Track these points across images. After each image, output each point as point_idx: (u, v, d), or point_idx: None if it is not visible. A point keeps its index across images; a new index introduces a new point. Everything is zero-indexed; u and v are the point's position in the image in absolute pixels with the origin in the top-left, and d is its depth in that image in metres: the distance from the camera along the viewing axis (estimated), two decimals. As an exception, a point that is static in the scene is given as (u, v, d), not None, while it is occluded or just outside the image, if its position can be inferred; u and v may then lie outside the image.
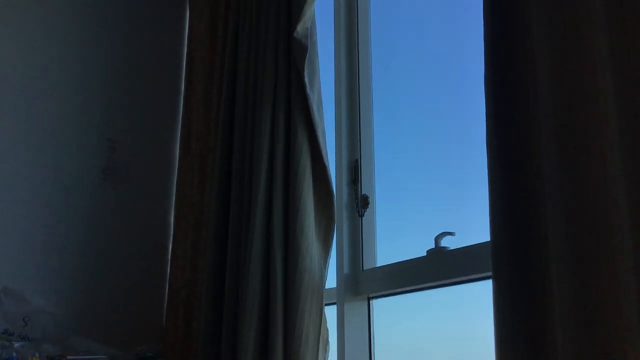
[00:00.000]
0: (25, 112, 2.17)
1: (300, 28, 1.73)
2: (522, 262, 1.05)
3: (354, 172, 1.84)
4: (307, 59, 1.71)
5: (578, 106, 0.98)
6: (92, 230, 2.20)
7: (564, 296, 0.94)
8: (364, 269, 1.77)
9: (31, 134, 2.17)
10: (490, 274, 1.12)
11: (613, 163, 0.93)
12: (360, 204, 1.81)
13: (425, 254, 1.55)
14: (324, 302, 1.61)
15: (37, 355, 1.71)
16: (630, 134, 0.89)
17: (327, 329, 1.61)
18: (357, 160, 1.85)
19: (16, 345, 1.79)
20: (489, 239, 1.14)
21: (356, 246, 1.79)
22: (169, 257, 2.25)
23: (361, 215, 1.81)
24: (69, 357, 1.75)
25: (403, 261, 1.62)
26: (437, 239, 1.53)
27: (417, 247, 1.60)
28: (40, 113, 2.20)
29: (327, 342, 1.61)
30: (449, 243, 1.51)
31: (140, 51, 2.43)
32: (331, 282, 1.75)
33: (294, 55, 1.76)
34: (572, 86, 0.99)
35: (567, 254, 0.94)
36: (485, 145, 1.14)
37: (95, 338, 1.98)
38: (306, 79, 1.70)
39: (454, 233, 1.52)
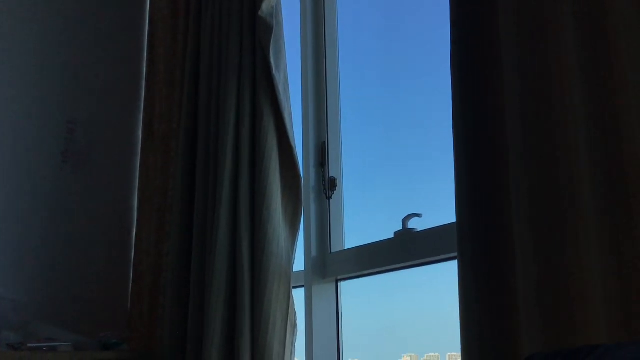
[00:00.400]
0: (-20, 94, 2.10)
1: (265, 6, 1.70)
2: (486, 241, 1.05)
3: (321, 155, 1.82)
4: (272, 38, 1.68)
5: (545, 90, 0.98)
6: (52, 214, 2.15)
7: (527, 274, 0.95)
8: (332, 251, 1.77)
9: (-14, 116, 2.10)
10: (455, 254, 1.13)
11: (576, 144, 0.93)
12: (328, 186, 1.80)
13: (392, 236, 1.55)
14: (292, 285, 1.60)
15: (-4, 344, 1.66)
16: (595, 118, 0.89)
17: (295, 312, 1.60)
18: (324, 142, 1.83)
19: (-26, 334, 1.74)
20: (455, 220, 1.14)
21: (324, 229, 1.78)
22: (133, 242, 2.21)
23: (329, 198, 1.80)
24: (29, 345, 1.71)
25: (371, 243, 1.62)
26: (405, 220, 1.53)
27: (384, 229, 1.60)
28: (-5, 95, 2.12)
29: (295, 326, 1.60)
30: (416, 224, 1.52)
31: (101, 31, 2.36)
32: (299, 265, 1.75)
33: (259, 35, 1.72)
34: (540, 69, 0.99)
35: (530, 233, 0.95)
36: (451, 126, 1.14)
37: (58, 325, 1.94)
38: (272, 60, 1.67)
39: (421, 215, 1.52)
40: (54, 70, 2.24)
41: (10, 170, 2.11)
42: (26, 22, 2.22)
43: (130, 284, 2.16)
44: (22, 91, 2.17)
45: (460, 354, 1.07)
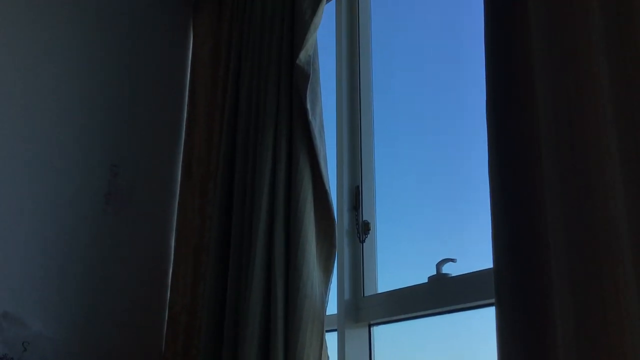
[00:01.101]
0: (27, 137, 2.18)
1: (302, 55, 1.75)
2: (524, 288, 1.05)
3: (355, 198, 1.84)
4: (309, 85, 1.72)
5: (583, 139, 0.99)
6: (93, 255, 2.19)
7: (566, 324, 0.94)
8: (365, 295, 1.77)
9: (33, 158, 2.18)
10: (491, 300, 1.12)
11: (614, 189, 0.94)
12: (362, 229, 1.81)
13: (426, 281, 1.55)
14: (325, 329, 1.60)
15: (35, 381, 1.69)
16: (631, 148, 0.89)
17: (328, 356, 1.60)
18: (358, 186, 1.85)
19: (14, 370, 1.77)
20: (489, 266, 1.14)
21: (357, 272, 1.79)
22: (169, 282, 2.24)
23: (362, 241, 1.81)
24: (67, 383, 1.73)
25: (404, 287, 1.62)
26: (439, 265, 1.53)
27: (418, 274, 1.60)
28: (42, 138, 2.21)
29: (328, 369, 1.59)
30: (450, 270, 1.51)
31: (144, 76, 2.45)
32: (332, 308, 1.75)
33: (296, 82, 1.77)
34: (572, 109, 1.00)
35: (569, 281, 0.95)
36: (487, 172, 1.15)
37: (94, 364, 1.96)
38: (308, 106, 1.71)
39: (455, 260, 1.52)
40: (99, 114, 2.32)
41: (56, 210, 2.17)
42: (73, 65, 2.32)
43: (166, 325, 2.18)
44: (68, 134, 2.25)
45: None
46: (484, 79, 1.18)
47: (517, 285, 1.05)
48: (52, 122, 2.24)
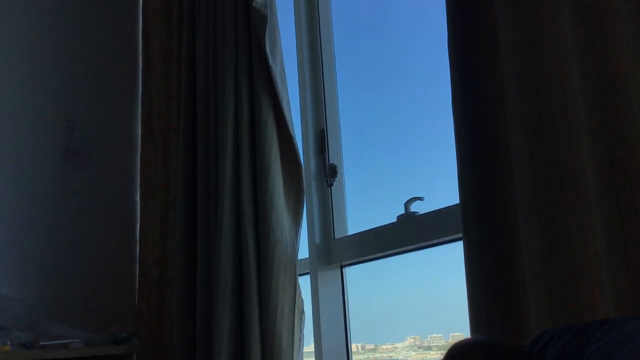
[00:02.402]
0: (-22, 96, 2.10)
1: (259, -2, 1.70)
2: (490, 221, 1.07)
3: (321, 142, 1.83)
4: (267, 29, 1.68)
5: (542, 71, 0.99)
6: (56, 214, 2.16)
7: (532, 253, 0.96)
8: (336, 238, 1.78)
9: (-15, 119, 2.10)
10: (459, 235, 1.14)
11: (576, 119, 0.95)
12: (329, 173, 1.81)
13: (395, 220, 1.57)
14: (297, 273, 1.62)
15: (8, 343, 1.68)
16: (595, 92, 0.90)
17: (302, 299, 1.62)
18: (323, 129, 1.84)
19: (-14, 334, 1.75)
20: (457, 202, 1.16)
21: (326, 216, 1.80)
22: (138, 238, 2.22)
23: (330, 185, 1.81)
24: (41, 343, 1.73)
25: (374, 228, 1.64)
26: (407, 204, 1.55)
27: (387, 214, 1.61)
28: (-7, 97, 2.13)
29: (302, 312, 1.62)
30: (418, 208, 1.53)
31: (95, 28, 2.36)
32: (303, 252, 1.76)
33: (254, 26, 1.73)
34: (538, 47, 1.00)
35: (534, 212, 0.96)
36: (451, 108, 1.15)
37: (68, 322, 1.96)
38: (268, 50, 1.67)
39: (423, 198, 1.53)
40: (50, 69, 2.24)
41: (12, 171, 2.11)
42: (20, 22, 2.22)
43: (138, 280, 2.18)
44: (19, 92, 2.18)
45: (463, 334, 1.09)
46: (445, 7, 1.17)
47: (483, 219, 1.07)
48: (3, 80, 2.15)
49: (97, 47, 2.35)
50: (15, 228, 2.08)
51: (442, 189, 1.51)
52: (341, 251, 1.74)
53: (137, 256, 2.21)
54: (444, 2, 1.18)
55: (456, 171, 1.13)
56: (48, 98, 2.22)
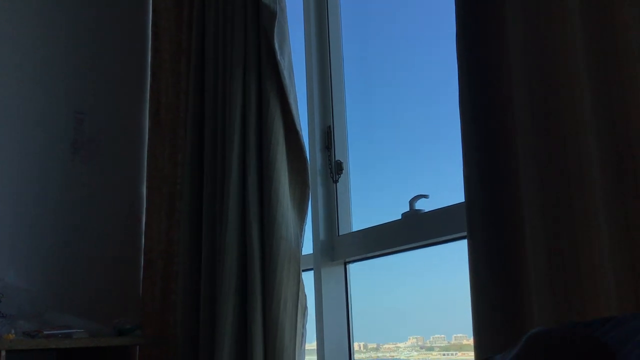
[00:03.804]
0: (-12, 87, 2.11)
1: (268, -7, 1.70)
2: (495, 220, 1.06)
3: (327, 138, 1.83)
4: (276, 24, 1.68)
5: (551, 70, 0.99)
6: (64, 204, 2.17)
7: (537, 249, 0.96)
8: (340, 234, 1.78)
9: (-5, 109, 2.12)
10: (464, 234, 1.14)
11: (583, 120, 0.94)
12: (335, 169, 1.81)
13: (400, 217, 1.57)
14: (301, 268, 1.62)
15: (12, 332, 1.69)
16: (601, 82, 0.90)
17: (305, 295, 1.62)
18: (329, 126, 1.84)
19: (-9, 322, 1.77)
20: (461, 200, 1.15)
21: (331, 212, 1.80)
22: (144, 230, 2.23)
23: (335, 181, 1.81)
24: (45, 332, 1.74)
25: (378, 225, 1.64)
26: (412, 202, 1.54)
27: (392, 211, 1.61)
28: (3, 88, 2.14)
29: (305, 308, 1.62)
30: (423, 205, 1.53)
31: (105, 21, 2.37)
32: (307, 248, 1.77)
33: (262, 21, 1.73)
34: (545, 46, 1.00)
35: (540, 212, 0.96)
36: (458, 106, 1.14)
37: (72, 312, 1.97)
38: (276, 45, 1.68)
39: (427, 195, 1.53)
40: (59, 62, 2.25)
41: (20, 162, 2.13)
42: (30, 15, 2.23)
43: (142, 271, 2.19)
44: (29, 84, 2.19)
45: (465, 335, 1.09)
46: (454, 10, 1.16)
47: (488, 217, 1.07)
48: (13, 71, 2.17)
49: (108, 39, 2.36)
50: (22, 217, 2.10)
51: (447, 187, 1.51)
52: (345, 247, 1.74)
53: (143, 248, 2.22)
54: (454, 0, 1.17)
55: (461, 169, 1.13)
56: (58, 89, 2.23)
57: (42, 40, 2.23)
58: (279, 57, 1.67)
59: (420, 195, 1.54)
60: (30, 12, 2.23)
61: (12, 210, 2.08)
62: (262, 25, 1.73)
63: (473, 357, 1.07)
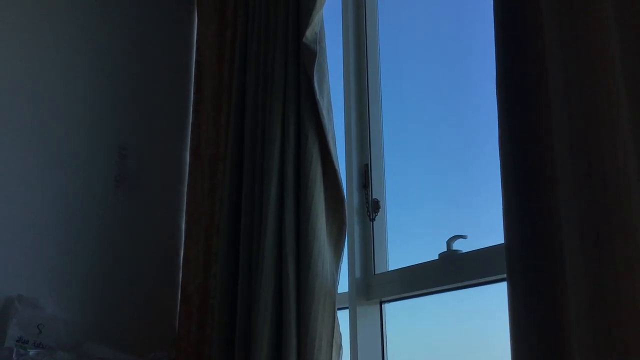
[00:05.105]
0: (35, 121, 2.19)
1: (309, 33, 1.74)
2: (536, 263, 1.04)
3: (365, 177, 1.84)
4: (316, 64, 1.71)
5: (592, 111, 0.98)
6: (104, 237, 2.21)
7: (579, 295, 0.94)
8: (376, 273, 1.77)
9: (42, 143, 2.19)
10: (503, 276, 1.12)
11: (626, 165, 0.93)
12: (371, 208, 1.81)
13: (437, 258, 1.55)
14: (336, 307, 1.61)
15: (51, 362, 1.72)
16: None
17: (340, 333, 1.61)
18: (367, 164, 1.85)
19: (31, 353, 1.80)
20: (500, 242, 1.14)
21: (367, 250, 1.79)
22: (181, 264, 2.25)
23: (372, 220, 1.81)
24: (83, 364, 1.76)
25: (415, 265, 1.62)
26: (449, 242, 1.53)
27: (429, 251, 1.60)
28: (50, 121, 2.21)
29: (340, 347, 1.61)
30: (461, 246, 1.51)
31: (149, 58, 2.45)
32: (343, 286, 1.76)
33: (303, 61, 1.76)
34: (586, 87, 0.99)
35: (582, 257, 0.94)
36: (497, 146, 1.14)
37: (109, 344, 1.99)
38: (315, 84, 1.70)
39: (466, 236, 1.51)
40: (106, 96, 2.33)
41: (65, 193, 2.19)
42: (78, 50, 2.32)
43: (179, 305, 2.20)
44: (76, 118, 2.26)
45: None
46: (494, 48, 1.17)
47: (528, 261, 1.05)
48: (59, 105, 2.25)
49: (151, 75, 2.43)
50: (63, 249, 2.14)
51: (486, 229, 1.49)
52: (381, 286, 1.73)
53: (180, 282, 2.24)
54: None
55: (501, 210, 1.12)
56: (103, 124, 2.30)
57: (88, 77, 2.31)
58: (318, 96, 1.70)
59: (458, 235, 1.52)
60: (76, 48, 2.32)
61: (54, 241, 2.13)
62: (302, 64, 1.76)
63: (512, 405, 1.04)
